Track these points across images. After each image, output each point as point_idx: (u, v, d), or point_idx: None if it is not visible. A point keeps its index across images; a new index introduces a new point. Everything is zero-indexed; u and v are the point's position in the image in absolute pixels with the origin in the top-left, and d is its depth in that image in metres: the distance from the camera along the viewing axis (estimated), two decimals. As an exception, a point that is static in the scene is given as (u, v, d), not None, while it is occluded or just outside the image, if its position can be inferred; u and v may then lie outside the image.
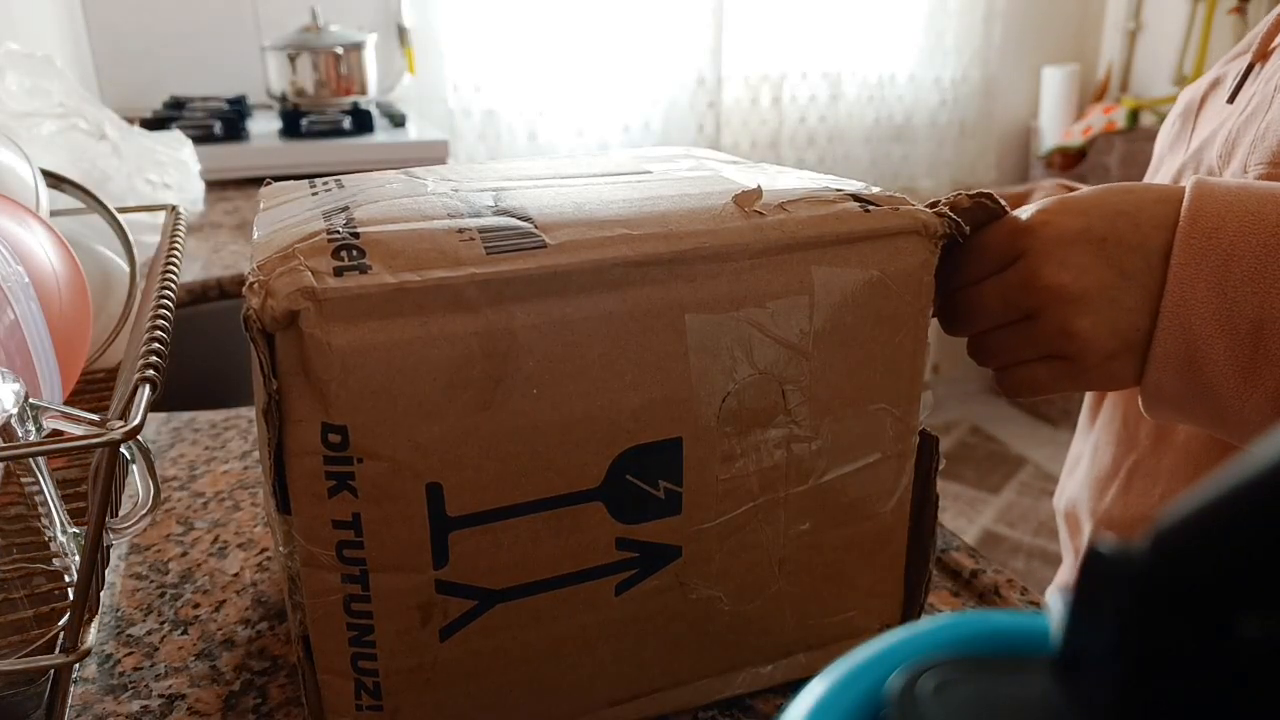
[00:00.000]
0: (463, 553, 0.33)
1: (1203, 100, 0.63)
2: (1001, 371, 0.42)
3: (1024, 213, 0.39)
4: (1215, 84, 0.62)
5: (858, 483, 0.39)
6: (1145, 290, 0.38)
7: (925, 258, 0.37)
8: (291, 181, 0.42)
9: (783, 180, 0.40)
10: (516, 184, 0.38)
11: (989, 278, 0.40)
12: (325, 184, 0.40)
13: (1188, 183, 0.39)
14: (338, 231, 0.32)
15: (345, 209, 0.35)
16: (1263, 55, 0.58)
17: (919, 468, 0.41)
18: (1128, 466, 0.61)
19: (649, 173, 0.41)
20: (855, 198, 0.37)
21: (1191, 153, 0.61)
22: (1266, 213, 0.36)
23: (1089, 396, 0.71)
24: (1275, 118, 0.53)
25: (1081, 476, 0.66)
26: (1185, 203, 0.37)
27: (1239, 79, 0.58)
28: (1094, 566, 0.13)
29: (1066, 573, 0.74)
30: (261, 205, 0.39)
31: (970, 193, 0.38)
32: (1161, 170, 0.68)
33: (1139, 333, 0.38)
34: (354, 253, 0.31)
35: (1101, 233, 0.38)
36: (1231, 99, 0.59)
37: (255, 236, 0.34)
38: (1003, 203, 0.40)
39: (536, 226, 0.33)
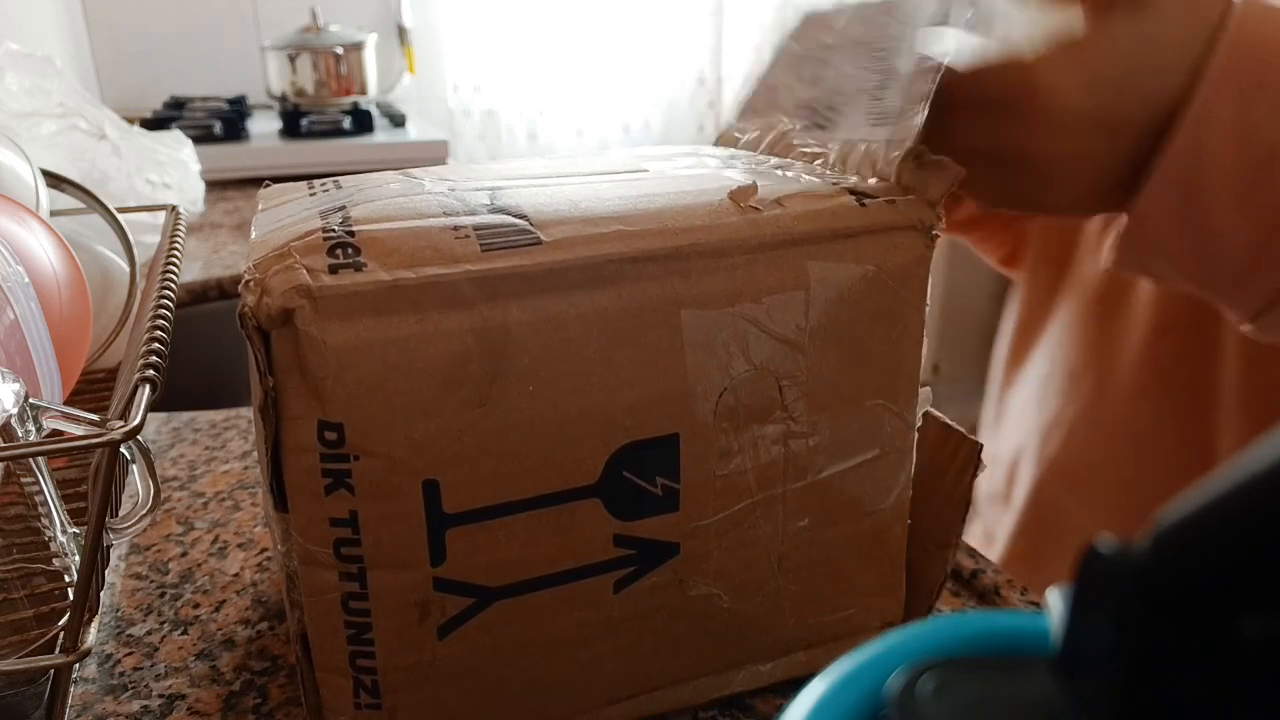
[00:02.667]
0: (460, 550, 0.33)
1: None
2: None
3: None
4: None
5: (856, 479, 0.39)
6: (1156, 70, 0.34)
7: (921, 253, 0.37)
8: (290, 183, 0.42)
9: (781, 175, 0.40)
10: (513, 183, 0.38)
11: None
12: (323, 185, 0.40)
13: None
14: (333, 230, 0.32)
15: (342, 208, 0.35)
16: None
17: (961, 474, 0.40)
18: (1070, 416, 0.62)
19: (645, 171, 0.41)
20: (851, 191, 0.37)
21: None
22: None
23: (1009, 348, 0.72)
24: None
25: (1028, 426, 0.67)
26: (1237, 11, 0.34)
27: None
28: (1094, 566, 0.13)
29: (988, 521, 0.74)
30: (260, 207, 0.39)
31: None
32: None
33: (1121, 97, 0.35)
34: (349, 250, 0.31)
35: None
36: None
37: (253, 237, 0.34)
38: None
39: (532, 224, 0.33)
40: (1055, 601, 0.14)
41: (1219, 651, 0.11)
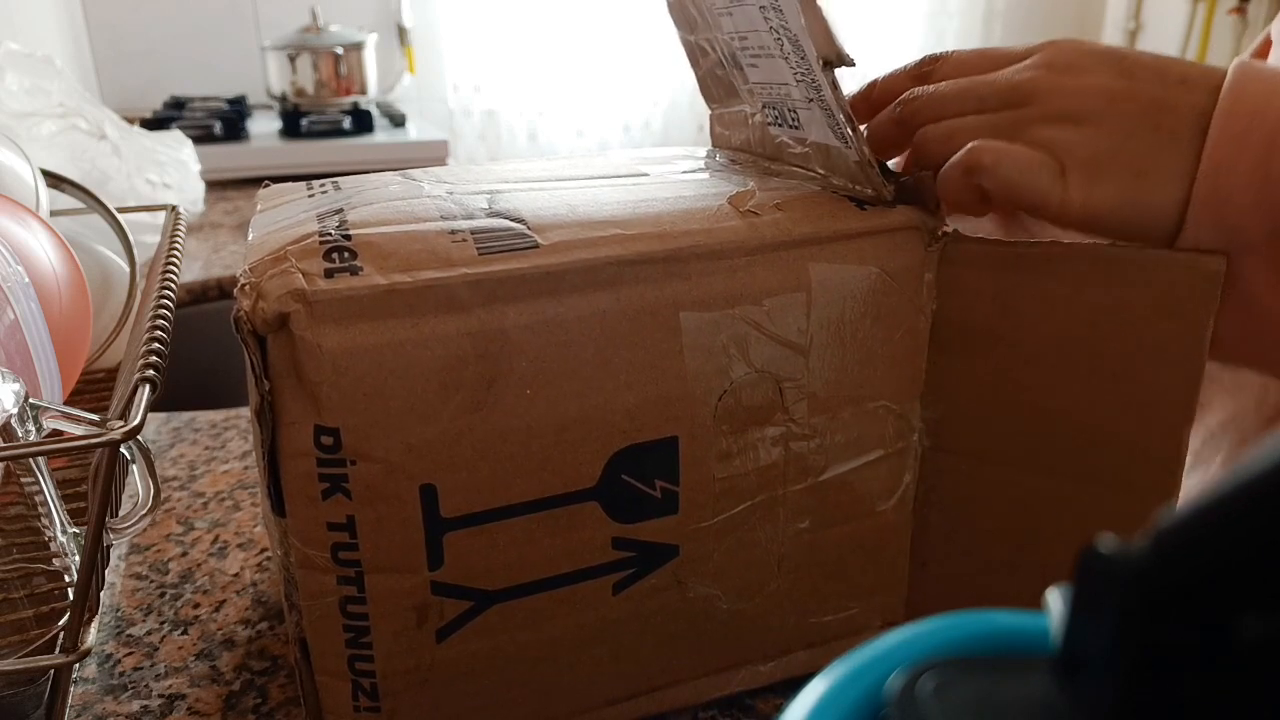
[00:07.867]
0: (458, 554, 0.33)
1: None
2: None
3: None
4: None
5: (858, 480, 0.39)
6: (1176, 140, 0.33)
7: (923, 254, 0.37)
8: (289, 184, 0.42)
9: (779, 180, 0.40)
10: (511, 186, 0.38)
11: None
12: (322, 186, 0.40)
13: (1231, 65, 0.34)
14: (330, 234, 0.32)
15: (339, 211, 0.35)
16: None
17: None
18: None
19: (645, 175, 0.41)
20: (850, 197, 0.37)
21: None
22: None
23: None
24: None
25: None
26: (1227, 82, 0.33)
27: None
28: (1094, 566, 0.13)
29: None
30: (259, 208, 0.39)
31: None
32: None
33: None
34: (345, 254, 0.31)
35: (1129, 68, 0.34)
36: None
37: (250, 238, 0.34)
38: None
39: (529, 228, 0.33)
40: (1055, 601, 0.14)
41: (1219, 652, 0.11)
